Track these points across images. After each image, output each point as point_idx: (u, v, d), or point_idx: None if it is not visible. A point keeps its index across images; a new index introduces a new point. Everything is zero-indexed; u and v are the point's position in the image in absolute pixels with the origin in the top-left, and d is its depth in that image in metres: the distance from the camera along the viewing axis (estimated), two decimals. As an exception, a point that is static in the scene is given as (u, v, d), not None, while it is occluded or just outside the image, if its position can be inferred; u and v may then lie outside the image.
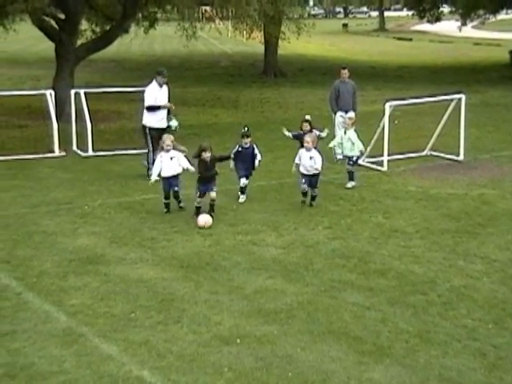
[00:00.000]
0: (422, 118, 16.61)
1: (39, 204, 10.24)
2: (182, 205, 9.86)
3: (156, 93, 11.62)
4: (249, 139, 10.34)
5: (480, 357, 5.86)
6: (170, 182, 9.65)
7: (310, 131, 10.84)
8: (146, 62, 33.68)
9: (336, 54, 38.30)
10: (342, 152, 11.79)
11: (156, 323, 6.41)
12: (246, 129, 10.43)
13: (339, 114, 13.46)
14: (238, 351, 5.86)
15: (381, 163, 12.51)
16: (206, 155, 9.42)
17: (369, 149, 12.65)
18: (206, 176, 9.50)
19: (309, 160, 10.04)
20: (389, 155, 12.53)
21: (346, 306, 6.82)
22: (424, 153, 13.64)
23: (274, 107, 20.57)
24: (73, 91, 14.35)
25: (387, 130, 12.44)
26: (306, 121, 11.15)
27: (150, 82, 11.82)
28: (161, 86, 11.70)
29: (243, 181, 10.37)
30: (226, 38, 34.38)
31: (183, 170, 9.66)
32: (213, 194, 9.48)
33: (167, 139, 9.69)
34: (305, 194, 10.20)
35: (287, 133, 11.21)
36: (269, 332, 6.22)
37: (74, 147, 13.84)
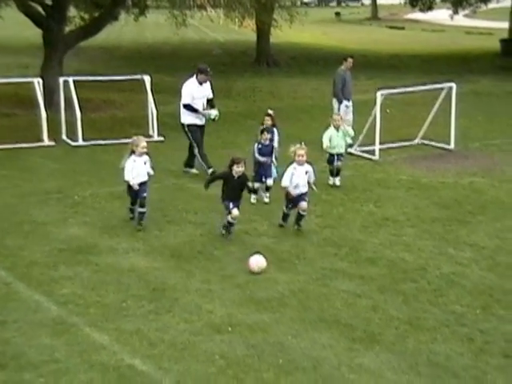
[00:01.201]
0: (413, 108, 16.62)
1: (29, 194, 10.20)
2: (143, 210, 8.71)
3: (194, 91, 10.98)
4: (268, 135, 9.73)
5: (468, 342, 5.93)
6: (139, 189, 8.62)
7: (273, 126, 10.23)
8: (137, 50, 33.49)
9: (329, 43, 38.23)
10: (334, 148, 10.79)
11: (147, 312, 6.42)
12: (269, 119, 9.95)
13: (345, 102, 13.47)
14: (230, 339, 5.88)
15: (373, 152, 12.52)
16: (238, 169, 8.30)
17: (361, 138, 12.66)
18: (233, 194, 8.34)
19: (304, 176, 8.69)
20: (380, 144, 12.54)
21: (337, 294, 6.85)
22: (415, 142, 13.67)
23: (266, 96, 20.52)
24: (61, 79, 14.21)
25: (379, 119, 12.44)
26: (268, 115, 10.32)
27: (191, 76, 11.17)
28: (201, 83, 11.03)
29: (269, 182, 9.78)
30: (218, 26, 34.24)
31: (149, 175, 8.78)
32: (235, 212, 8.26)
33: (141, 141, 8.65)
34: (287, 217, 8.81)
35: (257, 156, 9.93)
36: (260, 320, 6.24)
37: (64, 136, 13.77)
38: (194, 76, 11.17)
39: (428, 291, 6.96)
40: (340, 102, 13.55)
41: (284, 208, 8.80)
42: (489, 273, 7.44)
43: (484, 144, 13.79)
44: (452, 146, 13.24)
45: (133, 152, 8.64)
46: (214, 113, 11.18)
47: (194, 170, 11.30)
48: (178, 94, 11.45)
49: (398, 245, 8.27)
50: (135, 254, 7.88)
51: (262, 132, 9.88)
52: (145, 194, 8.68)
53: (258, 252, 7.51)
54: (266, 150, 9.83)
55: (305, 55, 33.00)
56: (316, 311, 6.46)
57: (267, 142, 9.83)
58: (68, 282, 7.08)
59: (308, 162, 8.75)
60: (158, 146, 12.66)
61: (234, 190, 8.35)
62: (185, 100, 11.09)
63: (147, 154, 8.73)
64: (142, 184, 8.66)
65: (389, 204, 9.86)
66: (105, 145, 13.25)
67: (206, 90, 11.18)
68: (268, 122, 10.30)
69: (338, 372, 5.43)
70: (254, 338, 5.91)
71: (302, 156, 8.64)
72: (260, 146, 9.83)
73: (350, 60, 13.69)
